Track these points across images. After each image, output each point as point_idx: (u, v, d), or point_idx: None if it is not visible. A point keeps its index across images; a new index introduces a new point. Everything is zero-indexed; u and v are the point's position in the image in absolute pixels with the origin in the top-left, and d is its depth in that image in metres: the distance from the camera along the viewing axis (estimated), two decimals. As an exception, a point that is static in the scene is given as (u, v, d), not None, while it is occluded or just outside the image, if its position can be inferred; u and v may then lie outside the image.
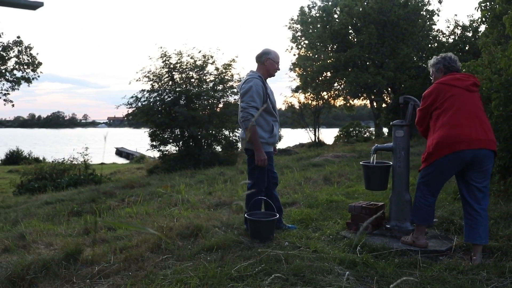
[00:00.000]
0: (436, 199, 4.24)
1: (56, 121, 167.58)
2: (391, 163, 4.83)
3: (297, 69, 29.02)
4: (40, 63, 28.67)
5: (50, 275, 3.95)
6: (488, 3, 6.84)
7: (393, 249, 4.16)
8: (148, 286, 3.45)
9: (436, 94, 4.00)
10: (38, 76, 28.86)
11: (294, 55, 29.91)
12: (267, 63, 4.83)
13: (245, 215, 4.72)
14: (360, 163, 5.24)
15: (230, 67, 19.23)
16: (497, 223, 4.77)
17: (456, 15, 61.93)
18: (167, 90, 18.57)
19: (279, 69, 4.96)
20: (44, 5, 4.41)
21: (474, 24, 22.80)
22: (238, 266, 3.67)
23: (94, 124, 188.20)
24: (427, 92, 4.11)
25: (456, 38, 23.38)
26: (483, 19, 7.38)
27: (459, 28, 23.77)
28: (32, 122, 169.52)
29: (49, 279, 3.89)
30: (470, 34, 23.04)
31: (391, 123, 4.93)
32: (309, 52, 27.84)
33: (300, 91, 29.66)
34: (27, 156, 31.40)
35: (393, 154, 4.77)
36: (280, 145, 27.15)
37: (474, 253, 3.93)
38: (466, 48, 21.97)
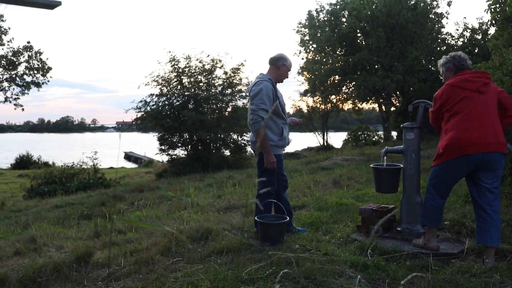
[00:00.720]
0: (445, 201, 4.21)
1: (65, 125, 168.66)
2: (402, 165, 4.80)
3: (305, 73, 29.03)
4: (50, 68, 28.90)
5: (61, 277, 3.97)
6: (498, 5, 6.79)
7: (404, 252, 4.13)
8: (159, 288, 3.45)
9: (447, 97, 4.00)
10: (48, 81, 29.08)
11: (303, 59, 29.96)
12: (282, 69, 4.84)
13: (255, 218, 4.72)
14: (371, 165, 5.21)
15: (238, 71, 19.25)
16: (510, 226, 4.73)
17: (465, 17, 61.38)
18: (175, 94, 18.62)
19: (288, 77, 4.99)
20: (62, 4, 4.46)
21: (484, 27, 22.70)
22: (248, 269, 3.66)
23: (102, 128, 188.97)
24: (438, 94, 4.12)
25: (465, 41, 23.30)
26: (493, 21, 7.31)
27: (468, 30, 23.69)
28: (42, 126, 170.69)
29: (60, 281, 3.91)
30: (479, 37, 22.95)
31: (401, 125, 4.91)
32: (317, 56, 27.85)
33: (309, 94, 29.67)
34: (37, 161, 31.59)
35: (404, 157, 4.74)
36: (289, 149, 27.10)
37: (487, 256, 3.90)
38: (476, 50, 21.87)
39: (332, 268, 3.62)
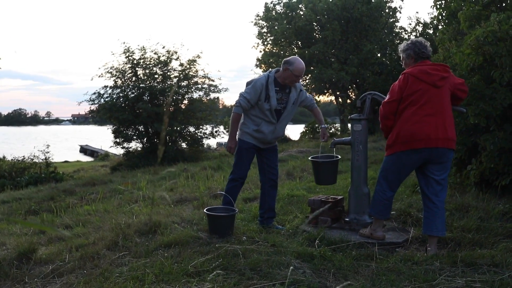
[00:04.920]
0: (395, 194, 4.28)
1: (17, 118, 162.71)
2: (339, 157, 4.90)
3: (263, 65, 29.01)
4: (-2, 58, 27.84)
5: (0, 275, 3.82)
6: (443, 1, 6.97)
7: (351, 242, 4.19)
8: (102, 283, 3.38)
9: (404, 86, 3.98)
10: (-3, 72, 28.03)
11: (260, 51, 29.90)
12: (285, 72, 4.71)
13: (204, 210, 4.69)
14: (309, 158, 5.28)
15: (194, 63, 19.10)
16: (452, 214, 4.87)
17: (417, 12, 62.67)
18: (130, 86, 18.34)
19: (297, 81, 4.84)
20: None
21: (435, 22, 23.28)
22: (195, 261, 3.63)
23: (57, 121, 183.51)
24: (396, 85, 4.08)
25: (418, 35, 23.83)
26: (439, 17, 7.50)
27: (421, 25, 24.26)
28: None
29: (-1, 279, 3.77)
30: (431, 31, 23.52)
31: (349, 117, 4.97)
32: (274, 48, 27.91)
33: (266, 87, 29.65)
34: (-14, 155, 30.45)
35: (352, 148, 4.80)
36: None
37: (430, 244, 4.01)
38: (428, 45, 22.39)
39: (278, 259, 3.63)
